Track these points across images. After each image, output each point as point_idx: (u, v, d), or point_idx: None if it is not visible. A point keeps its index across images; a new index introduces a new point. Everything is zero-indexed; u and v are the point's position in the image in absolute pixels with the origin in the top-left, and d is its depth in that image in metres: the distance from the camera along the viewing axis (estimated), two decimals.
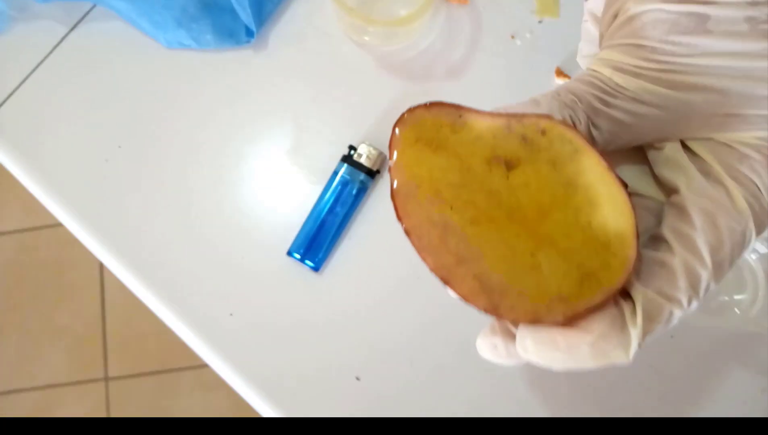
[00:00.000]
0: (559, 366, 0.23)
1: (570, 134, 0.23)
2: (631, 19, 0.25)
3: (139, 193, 0.49)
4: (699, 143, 0.25)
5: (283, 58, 0.50)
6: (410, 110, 0.24)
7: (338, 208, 0.47)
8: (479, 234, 0.23)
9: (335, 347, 0.47)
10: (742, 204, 0.23)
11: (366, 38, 0.50)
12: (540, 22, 0.49)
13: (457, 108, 0.24)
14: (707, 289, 0.23)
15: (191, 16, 0.50)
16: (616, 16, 0.27)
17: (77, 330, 1.42)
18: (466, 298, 0.22)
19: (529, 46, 0.49)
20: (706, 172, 0.24)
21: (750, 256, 0.46)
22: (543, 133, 0.23)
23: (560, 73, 0.47)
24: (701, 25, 0.23)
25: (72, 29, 0.52)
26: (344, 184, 0.47)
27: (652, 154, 0.26)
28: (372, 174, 0.47)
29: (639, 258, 0.22)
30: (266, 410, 0.46)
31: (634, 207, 0.22)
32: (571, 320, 0.22)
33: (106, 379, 1.44)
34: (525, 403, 0.46)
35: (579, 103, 0.24)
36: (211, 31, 0.50)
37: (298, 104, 0.50)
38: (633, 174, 0.27)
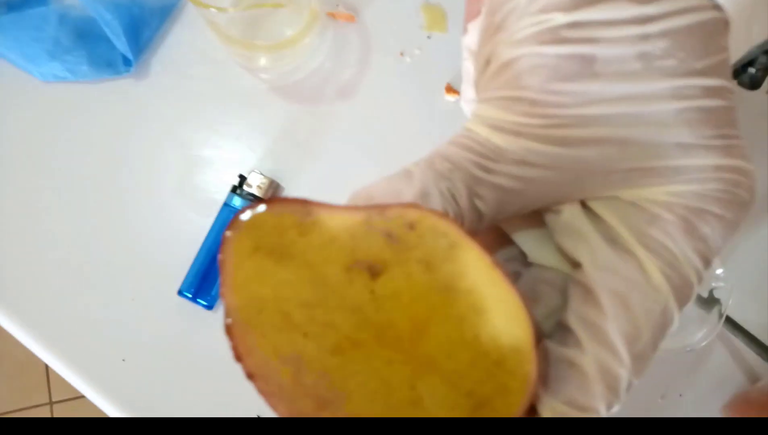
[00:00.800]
0: None
1: (444, 225, 0.19)
2: (505, 66, 0.21)
3: (17, 237, 0.47)
4: (602, 203, 0.21)
5: (167, 85, 0.48)
6: (244, 211, 0.20)
7: None
8: (343, 366, 0.18)
9: (236, 386, 0.45)
10: (658, 278, 0.19)
11: (261, 62, 0.48)
12: (429, 37, 0.48)
13: (303, 203, 0.19)
14: (629, 387, 0.20)
15: (64, 47, 0.47)
16: (489, 62, 0.23)
17: (17, 356, 1.37)
18: None
19: (419, 62, 0.48)
20: (612, 239, 0.20)
21: None
22: (411, 227, 0.19)
23: (450, 89, 0.47)
24: (587, 68, 0.20)
25: None
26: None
27: (550, 219, 0.23)
28: None
29: (546, 362, 0.19)
30: None
31: (529, 308, 0.18)
32: None
33: (51, 403, 1.40)
34: None
35: (457, 172, 0.21)
36: (87, 62, 0.47)
37: (184, 133, 0.48)
38: (532, 241, 0.24)
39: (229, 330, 0.19)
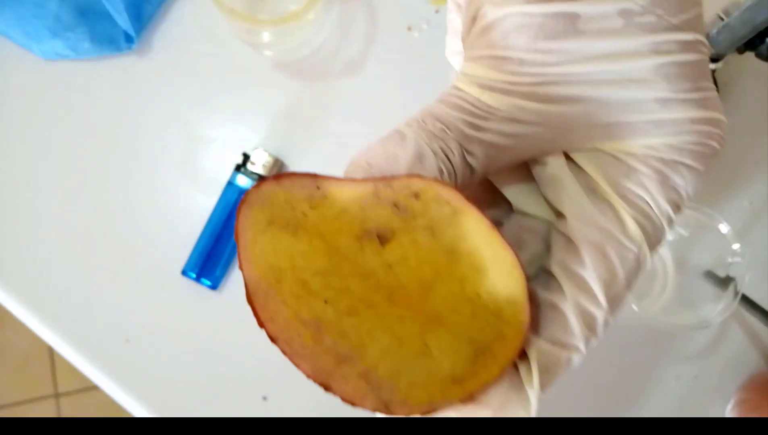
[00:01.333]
0: None
1: (447, 193, 0.20)
2: (491, 26, 0.22)
3: (22, 217, 0.46)
4: (584, 156, 0.23)
5: (169, 63, 0.47)
6: (256, 186, 0.21)
7: (234, 220, 0.45)
8: (359, 325, 0.20)
9: (240, 368, 0.45)
10: (634, 228, 0.21)
11: (264, 39, 0.47)
12: (437, 11, 0.47)
13: (313, 177, 0.21)
14: (606, 324, 0.22)
15: (66, 24, 0.47)
16: (475, 19, 0.24)
17: (23, 347, 1.37)
18: (352, 400, 0.20)
19: (427, 37, 0.47)
20: (593, 189, 0.22)
21: None
22: (416, 196, 0.20)
23: None
24: (571, 25, 0.21)
25: None
26: (239, 194, 0.45)
27: (536, 171, 0.24)
28: None
29: (532, 305, 0.21)
30: None
31: (523, 266, 0.20)
32: (467, 399, 0.20)
33: (57, 395, 1.39)
34: None
35: (448, 132, 0.22)
36: (89, 39, 0.47)
37: (187, 111, 0.47)
38: (519, 192, 0.25)
39: (249, 299, 0.20)
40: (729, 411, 0.42)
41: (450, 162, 0.21)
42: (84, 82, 0.47)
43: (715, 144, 0.22)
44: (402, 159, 0.21)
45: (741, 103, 0.46)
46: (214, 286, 0.44)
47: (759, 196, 0.46)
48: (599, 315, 0.21)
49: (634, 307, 0.39)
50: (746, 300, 0.41)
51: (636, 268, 0.21)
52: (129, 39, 0.47)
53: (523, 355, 0.21)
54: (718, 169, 0.46)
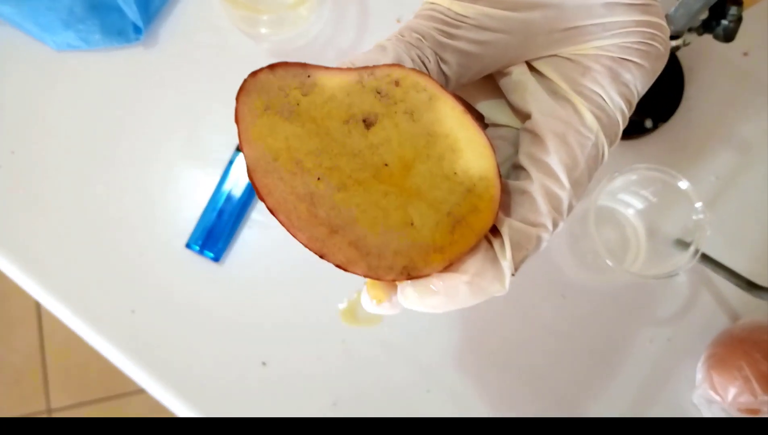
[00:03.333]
0: (441, 309, 0.23)
1: (423, 81, 0.23)
2: None
3: (34, 198, 0.49)
4: (544, 62, 0.25)
5: (175, 53, 0.51)
6: (252, 75, 0.23)
7: (235, 197, 0.48)
8: (348, 199, 0.22)
9: (240, 335, 0.47)
10: (590, 118, 0.24)
11: (262, 30, 0.50)
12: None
13: (303, 66, 0.23)
14: (570, 208, 0.24)
15: (78, 16, 0.50)
16: None
17: (15, 363, 1.37)
18: (344, 266, 0.22)
19: None
20: (554, 91, 0.25)
21: (627, 211, 0.48)
22: (397, 83, 0.23)
23: None
24: None
25: None
26: (240, 172, 0.48)
27: (503, 82, 0.27)
28: None
29: (504, 193, 0.23)
30: (174, 404, 0.46)
31: (493, 145, 0.23)
32: (448, 267, 0.22)
33: (49, 411, 1.39)
34: (434, 374, 0.47)
35: (424, 41, 0.24)
36: (99, 30, 0.50)
37: (191, 97, 0.50)
38: (490, 106, 0.28)
39: (250, 175, 0.22)
40: (699, 367, 0.45)
41: (426, 69, 0.24)
42: (94, 71, 0.51)
43: (658, 45, 0.25)
44: (382, 63, 0.23)
45: (705, 85, 0.50)
46: (216, 258, 0.47)
47: (724, 170, 0.49)
48: (564, 196, 0.23)
49: (609, 262, 0.42)
50: (711, 261, 0.44)
51: (595, 156, 0.24)
52: (137, 30, 0.50)
53: (497, 234, 0.23)
54: (686, 146, 0.50)
